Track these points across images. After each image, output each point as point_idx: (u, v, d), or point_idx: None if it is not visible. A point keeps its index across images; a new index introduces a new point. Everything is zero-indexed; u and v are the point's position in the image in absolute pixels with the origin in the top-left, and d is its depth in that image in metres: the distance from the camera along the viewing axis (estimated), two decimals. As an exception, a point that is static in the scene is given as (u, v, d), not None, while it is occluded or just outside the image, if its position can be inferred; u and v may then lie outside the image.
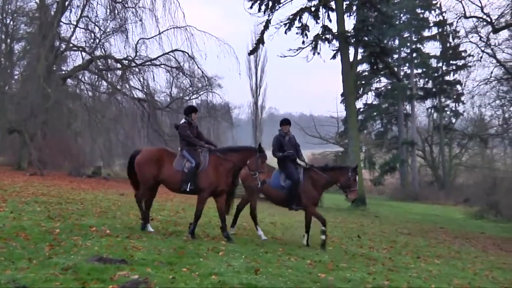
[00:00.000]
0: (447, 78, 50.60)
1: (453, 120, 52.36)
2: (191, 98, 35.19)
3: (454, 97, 50.69)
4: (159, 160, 9.81)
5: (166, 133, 33.57)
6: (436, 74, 51.03)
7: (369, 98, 51.65)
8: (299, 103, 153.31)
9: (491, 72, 24.31)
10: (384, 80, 50.34)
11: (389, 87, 50.05)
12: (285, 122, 11.18)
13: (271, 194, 10.84)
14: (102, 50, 31.95)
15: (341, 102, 45.20)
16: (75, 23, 31.01)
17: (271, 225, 13.91)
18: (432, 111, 53.17)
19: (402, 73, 50.77)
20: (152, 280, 5.73)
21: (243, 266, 7.12)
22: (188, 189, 9.59)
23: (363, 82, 50.10)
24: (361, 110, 50.18)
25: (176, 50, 32.10)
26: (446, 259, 11.94)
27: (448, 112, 52.20)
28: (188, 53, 32.07)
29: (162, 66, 32.79)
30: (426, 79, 52.21)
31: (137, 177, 10.10)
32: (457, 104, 51.08)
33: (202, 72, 32.98)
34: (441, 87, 50.50)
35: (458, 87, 49.94)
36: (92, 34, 31.46)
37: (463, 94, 47.62)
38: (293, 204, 10.59)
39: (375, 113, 51.20)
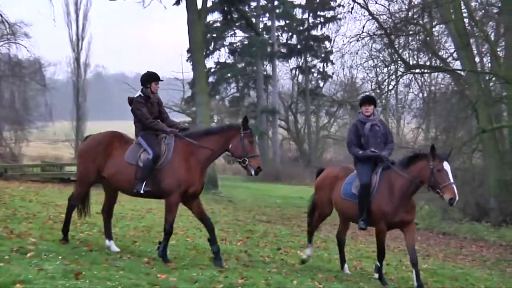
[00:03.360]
0: (314, 32, 52.86)
1: (321, 84, 55.00)
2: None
3: (322, 55, 53.15)
4: (107, 149, 9.04)
5: None
6: (301, 28, 53.02)
7: (222, 55, 52.30)
8: (135, 61, 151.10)
9: (363, 27, 25.66)
10: (240, 34, 51.27)
11: (246, 42, 51.07)
12: (366, 100, 9.83)
13: (340, 206, 9.78)
14: None
15: (187, 60, 45.40)
16: None
17: (98, 215, 13.67)
18: (297, 72, 55.28)
19: (261, 26, 51.98)
20: None
21: (60, 270, 6.99)
22: (142, 191, 8.75)
23: (214, 35, 50.54)
24: (212, 70, 50.69)
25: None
26: (311, 249, 12.65)
27: (315, 74, 54.68)
28: (-22, -11, 29.96)
29: None
30: (290, 34, 54.05)
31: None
32: (325, 65, 53.67)
33: (1, 16, 31.03)
34: (307, 44, 52.65)
35: (327, 44, 52.48)
36: None
37: (332, 53, 50.09)
38: (361, 218, 9.28)
39: (229, 74, 52.00)
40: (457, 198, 8.61)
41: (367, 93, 9.66)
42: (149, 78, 9.33)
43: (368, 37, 25.76)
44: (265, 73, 53.00)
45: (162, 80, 9.64)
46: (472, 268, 13.41)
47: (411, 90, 37.82)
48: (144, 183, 8.74)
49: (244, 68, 52.74)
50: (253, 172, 9.14)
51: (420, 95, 38.37)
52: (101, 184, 9.67)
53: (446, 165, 8.71)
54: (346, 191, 9.52)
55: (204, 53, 39.07)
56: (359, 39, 25.65)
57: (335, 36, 49.98)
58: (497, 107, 27.14)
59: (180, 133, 9.10)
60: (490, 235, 20.06)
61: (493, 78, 24.57)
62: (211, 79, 48.92)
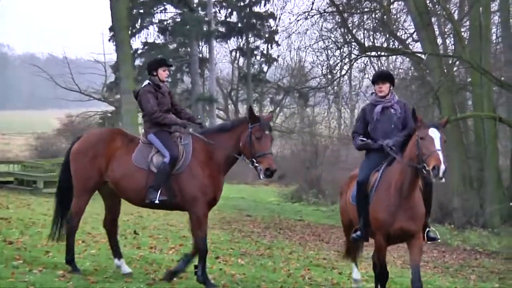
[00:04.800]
0: (256, 9, 52.89)
1: (265, 68, 55.14)
2: None
3: (266, 36, 53.29)
4: (109, 147, 8.66)
5: None
6: (242, 3, 53.01)
7: (151, 34, 51.75)
8: (47, 40, 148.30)
9: (312, 3, 25.90)
10: (171, 10, 50.89)
11: (179, 19, 50.78)
12: (379, 77, 9.02)
13: (350, 212, 8.98)
14: None
15: (109, 40, 44.75)
16: None
17: (3, 221, 13.48)
18: (237, 54, 55.30)
19: (196, 0, 51.81)
20: None
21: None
22: (158, 201, 8.38)
23: (141, 11, 50.07)
24: (139, 51, 50.18)
25: None
26: (253, 257, 12.77)
27: (258, 57, 54.76)
28: None
29: None
30: (229, 10, 53.96)
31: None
32: (269, 46, 53.78)
33: None
34: (249, 22, 52.66)
35: (271, 22, 52.63)
36: None
37: (278, 32, 50.35)
38: (357, 225, 8.65)
39: (159, 57, 51.64)
40: (442, 166, 7.44)
41: (382, 69, 8.74)
42: (156, 64, 9.22)
43: (318, 15, 26.01)
44: (200, 55, 52.76)
45: (171, 66, 9.52)
46: (433, 276, 13.71)
47: (366, 76, 38.32)
48: (159, 191, 8.42)
49: (177, 49, 52.39)
50: (262, 175, 8.38)
51: (377, 81, 38.81)
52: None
53: (433, 131, 7.72)
54: (353, 193, 8.67)
55: (130, 32, 38.63)
56: (308, 17, 25.87)
57: (281, 14, 50.19)
58: (461, 95, 27.75)
59: (191, 129, 8.87)
60: (453, 239, 20.52)
61: (457, 62, 25.08)
62: (137, 62, 48.43)
